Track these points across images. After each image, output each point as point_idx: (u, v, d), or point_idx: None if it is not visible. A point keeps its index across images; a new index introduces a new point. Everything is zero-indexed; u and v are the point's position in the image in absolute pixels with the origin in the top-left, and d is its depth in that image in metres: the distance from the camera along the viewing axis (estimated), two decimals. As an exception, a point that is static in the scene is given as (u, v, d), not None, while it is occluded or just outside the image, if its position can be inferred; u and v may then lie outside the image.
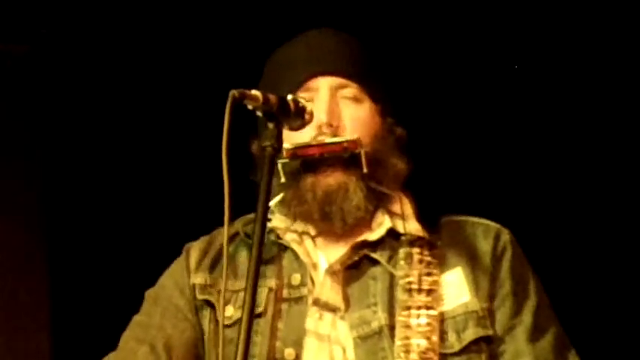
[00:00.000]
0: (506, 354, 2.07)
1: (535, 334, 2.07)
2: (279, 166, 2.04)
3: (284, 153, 2.02)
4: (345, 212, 2.07)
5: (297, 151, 2.04)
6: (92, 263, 3.67)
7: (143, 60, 3.72)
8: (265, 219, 1.88)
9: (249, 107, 1.91)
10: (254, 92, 1.88)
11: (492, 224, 2.17)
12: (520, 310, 2.08)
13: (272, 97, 1.90)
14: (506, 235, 2.14)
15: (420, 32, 3.71)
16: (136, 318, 2.22)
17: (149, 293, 2.22)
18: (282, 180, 2.06)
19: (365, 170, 2.03)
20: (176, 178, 3.67)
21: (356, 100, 2.12)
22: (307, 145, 2.02)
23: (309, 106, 1.99)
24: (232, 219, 2.10)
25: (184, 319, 2.16)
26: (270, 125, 1.89)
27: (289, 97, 1.95)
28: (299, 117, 1.94)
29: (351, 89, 2.11)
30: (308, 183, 2.05)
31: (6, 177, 3.93)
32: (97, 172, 3.86)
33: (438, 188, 2.56)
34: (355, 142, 2.04)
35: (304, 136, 2.03)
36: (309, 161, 2.04)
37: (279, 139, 1.89)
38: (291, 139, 2.04)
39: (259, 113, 1.91)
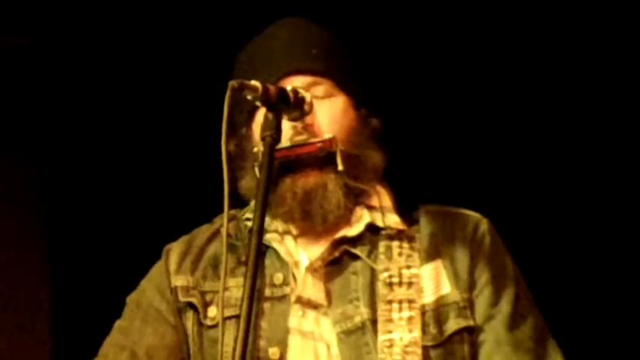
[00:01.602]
0: (486, 343, 2.07)
1: (514, 322, 2.08)
2: (256, 169, 2.06)
3: (260, 156, 2.03)
4: (326, 211, 2.08)
5: (278, 154, 2.04)
6: (92, 259, 3.66)
7: (141, 54, 3.70)
8: (265, 208, 1.90)
9: (249, 97, 1.92)
10: (253, 83, 1.90)
11: (472, 214, 2.17)
12: (499, 300, 2.09)
13: (271, 88, 1.92)
14: (484, 225, 2.15)
15: (390, 18, 3.67)
16: (118, 323, 2.24)
17: (130, 298, 2.23)
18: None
19: (341, 168, 2.05)
20: (174, 172, 3.66)
21: (329, 96, 2.13)
22: (284, 148, 2.03)
23: (308, 97, 2.01)
24: (212, 216, 2.21)
25: (165, 323, 2.17)
26: (270, 115, 1.91)
27: (289, 87, 1.97)
28: (298, 107, 1.96)
29: (324, 86, 2.12)
30: (287, 184, 2.05)
31: (5, 170, 3.93)
32: (96, 165, 3.86)
33: (415, 178, 2.55)
34: (330, 141, 2.05)
35: (284, 138, 2.05)
36: (287, 163, 2.05)
37: (278, 129, 1.90)
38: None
39: (258, 103, 1.93)
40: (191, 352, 2.14)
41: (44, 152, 3.87)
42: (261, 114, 2.03)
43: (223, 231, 1.97)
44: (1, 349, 3.90)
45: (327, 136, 2.06)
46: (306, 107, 2.01)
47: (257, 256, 1.88)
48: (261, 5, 3.45)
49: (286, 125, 2.01)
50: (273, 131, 1.90)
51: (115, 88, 3.77)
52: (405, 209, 2.18)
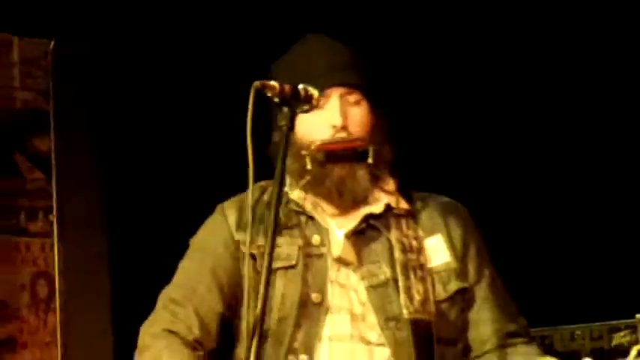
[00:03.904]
0: (476, 298, 2.39)
1: (494, 286, 2.41)
2: (307, 158, 2.34)
3: (313, 147, 2.33)
4: (356, 192, 2.37)
5: (324, 146, 2.32)
6: (147, 244, 3.84)
7: (182, 55, 4.03)
8: (283, 179, 2.15)
9: (269, 95, 2.15)
10: (272, 82, 2.13)
11: (452, 200, 2.51)
12: (483, 267, 2.41)
13: (286, 87, 2.14)
14: (466, 210, 2.48)
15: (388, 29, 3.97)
16: (186, 264, 2.50)
17: (193, 242, 2.51)
18: (309, 167, 2.34)
19: (371, 161, 2.35)
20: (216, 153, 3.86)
21: (358, 103, 2.42)
22: (331, 142, 2.32)
23: (316, 93, 2.21)
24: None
25: (227, 266, 2.42)
26: (285, 109, 2.14)
27: (300, 85, 2.18)
28: (308, 102, 2.17)
29: (354, 95, 2.40)
30: (328, 169, 2.33)
31: (71, 158, 4.31)
32: (149, 153, 4.21)
33: (409, 168, 2.66)
34: (365, 141, 2.35)
35: (323, 134, 2.33)
36: (331, 154, 2.32)
37: (292, 120, 2.14)
38: (312, 135, 2.33)
39: (276, 99, 2.15)
40: (245, 292, 2.32)
41: (103, 141, 4.31)
42: (300, 117, 2.28)
43: (272, 203, 2.15)
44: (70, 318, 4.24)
45: (363, 136, 2.35)
46: (314, 102, 2.20)
47: (276, 217, 2.12)
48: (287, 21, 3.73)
49: (327, 124, 2.34)
50: (287, 121, 2.13)
51: (161, 84, 4.15)
52: (406, 194, 2.47)
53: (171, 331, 2.41)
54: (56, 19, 4.15)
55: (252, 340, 2.10)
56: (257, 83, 2.12)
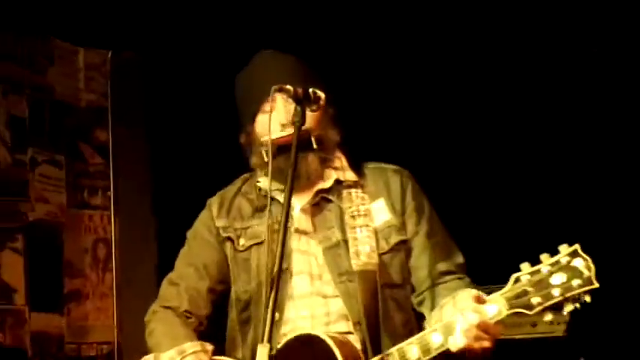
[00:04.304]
0: (415, 248, 2.46)
1: (431, 234, 2.47)
2: (263, 152, 2.36)
3: (264, 144, 2.34)
4: (309, 173, 2.43)
5: (274, 141, 2.31)
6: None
7: (216, 60, 4.06)
8: (294, 174, 2.19)
9: (285, 96, 2.26)
10: (288, 87, 2.23)
11: (397, 167, 2.55)
12: (420, 221, 2.47)
13: (299, 90, 2.23)
14: (407, 173, 2.53)
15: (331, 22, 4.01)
16: (182, 250, 2.59)
17: (189, 233, 2.59)
18: (266, 159, 2.34)
19: (315, 147, 2.40)
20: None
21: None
22: (279, 137, 2.34)
23: (323, 95, 2.31)
24: (231, 180, 2.59)
25: (212, 248, 2.51)
26: (298, 108, 2.23)
27: (310, 89, 2.25)
28: (316, 102, 2.26)
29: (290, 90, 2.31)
30: (283, 158, 2.31)
31: (125, 147, 4.59)
32: (189, 146, 4.43)
33: (358, 145, 2.68)
34: (307, 132, 2.34)
35: (275, 132, 2.34)
36: (281, 147, 2.32)
37: (303, 117, 2.21)
38: (267, 134, 2.30)
39: (290, 100, 2.24)
40: (230, 267, 2.49)
41: (151, 133, 4.60)
42: (261, 116, 2.38)
43: (267, 193, 2.31)
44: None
45: (305, 128, 2.28)
46: (321, 102, 2.28)
47: (289, 200, 2.16)
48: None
49: (276, 123, 2.35)
50: (299, 118, 2.20)
51: (199, 88, 4.33)
52: (355, 167, 2.54)
53: (166, 307, 2.53)
54: (113, 33, 4.37)
55: (271, 292, 2.11)
56: (276, 87, 2.23)
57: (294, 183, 2.19)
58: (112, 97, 4.56)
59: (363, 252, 2.41)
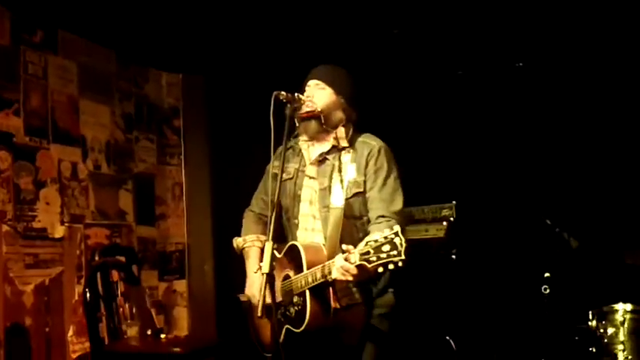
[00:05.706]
0: (369, 198, 3.11)
1: (382, 189, 3.10)
2: (296, 121, 3.12)
3: (297, 116, 3.05)
4: (309, 132, 3.14)
5: (300, 115, 3.05)
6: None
7: (264, 80, 4.29)
8: (287, 141, 2.90)
9: (280, 98, 2.95)
10: (282, 92, 2.95)
11: (376, 142, 3.13)
12: (376, 179, 3.11)
13: (289, 95, 2.99)
14: (380, 144, 3.11)
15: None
16: (260, 183, 3.37)
17: (265, 175, 3.29)
18: (297, 124, 3.10)
19: (323, 122, 3.09)
20: None
21: (323, 89, 3.15)
22: (302, 113, 3.06)
23: (299, 97, 3.08)
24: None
25: (271, 180, 3.20)
26: (289, 105, 3.01)
27: (296, 94, 3.04)
28: (296, 102, 3.04)
29: (321, 85, 3.15)
30: (302, 125, 3.10)
31: (191, 129, 5.58)
32: (232, 123, 5.22)
33: (363, 124, 3.10)
34: (317, 110, 3.03)
35: (303, 109, 3.02)
36: (303, 118, 3.10)
37: (293, 111, 2.98)
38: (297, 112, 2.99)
39: (285, 101, 2.95)
40: (280, 191, 3.09)
41: (208, 121, 5.58)
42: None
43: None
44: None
45: (317, 108, 2.98)
46: (296, 102, 3.04)
47: (285, 152, 2.85)
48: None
49: (304, 105, 3.02)
50: (290, 112, 2.91)
51: (245, 99, 4.98)
52: (351, 139, 3.15)
53: (251, 210, 3.34)
54: (184, 61, 5.38)
55: (272, 211, 2.80)
56: (276, 92, 2.90)
57: (297, 141, 2.94)
58: (183, 101, 5.73)
59: (337, 195, 3.06)
